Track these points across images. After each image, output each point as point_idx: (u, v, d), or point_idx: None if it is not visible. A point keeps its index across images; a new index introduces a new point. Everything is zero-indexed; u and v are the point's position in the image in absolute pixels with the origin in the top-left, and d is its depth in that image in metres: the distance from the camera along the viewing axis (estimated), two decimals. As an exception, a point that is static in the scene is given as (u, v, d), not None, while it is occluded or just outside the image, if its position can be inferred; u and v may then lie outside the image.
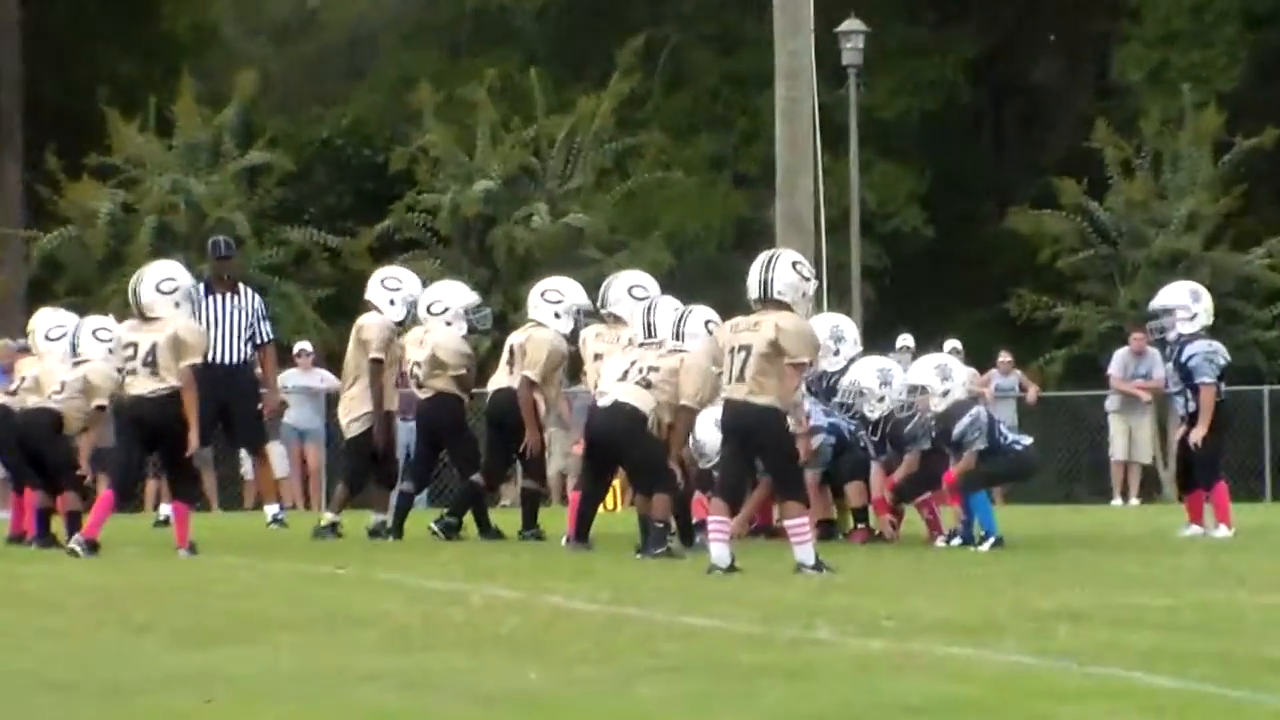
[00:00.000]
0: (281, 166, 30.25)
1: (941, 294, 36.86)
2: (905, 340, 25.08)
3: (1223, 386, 15.51)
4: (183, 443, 13.79)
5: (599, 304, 15.54)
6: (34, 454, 15.31)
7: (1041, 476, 20.58)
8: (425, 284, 16.91)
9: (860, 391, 14.85)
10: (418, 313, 16.15)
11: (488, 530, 15.85)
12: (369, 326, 16.17)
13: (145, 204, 28.80)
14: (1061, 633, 8.05)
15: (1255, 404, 26.83)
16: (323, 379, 24.91)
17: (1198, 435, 15.37)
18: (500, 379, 15.81)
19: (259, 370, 18.07)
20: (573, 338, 15.62)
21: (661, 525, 13.31)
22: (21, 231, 30.80)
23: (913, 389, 14.62)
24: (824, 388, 15.58)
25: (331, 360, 25.44)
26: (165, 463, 14.36)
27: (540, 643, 7.92)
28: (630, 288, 15.38)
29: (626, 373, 13.70)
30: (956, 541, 14.45)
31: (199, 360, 13.98)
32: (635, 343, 14.17)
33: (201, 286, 16.72)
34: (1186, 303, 15.62)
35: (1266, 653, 7.40)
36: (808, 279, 11.94)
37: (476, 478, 15.86)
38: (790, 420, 12.39)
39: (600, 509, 14.87)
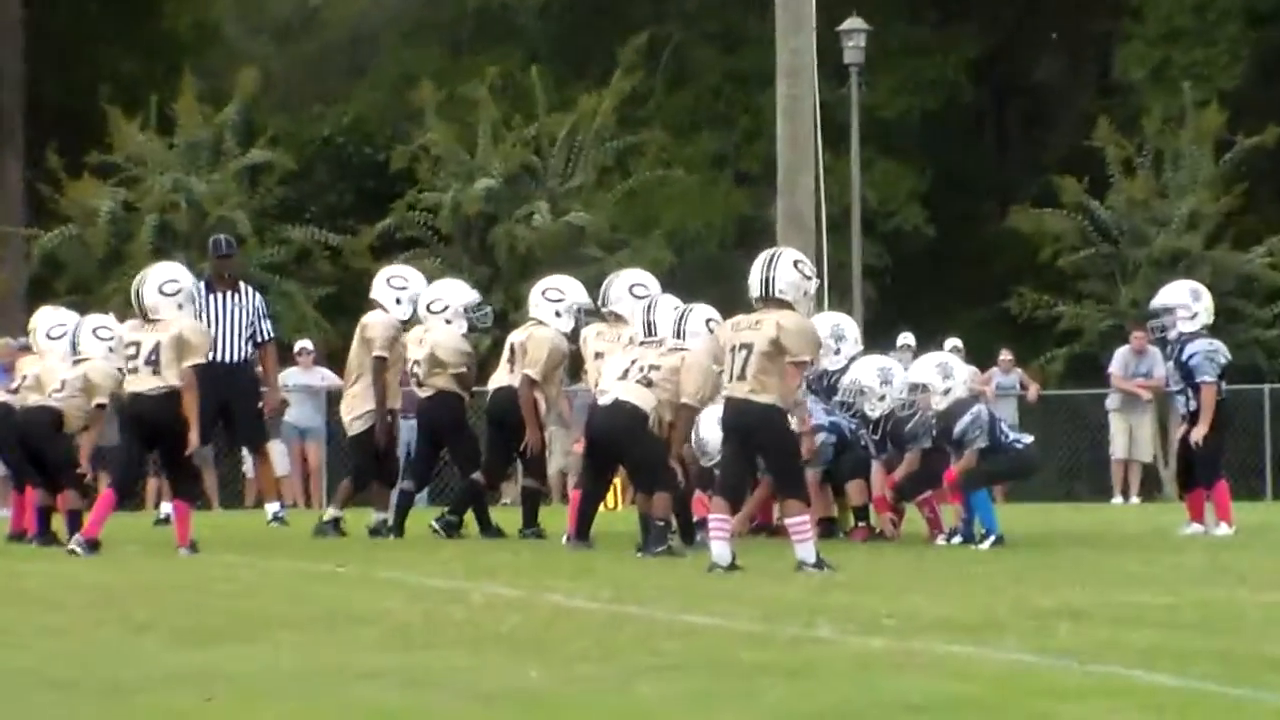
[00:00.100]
0: (283, 165, 30.25)
1: (942, 293, 36.87)
2: (906, 339, 25.09)
3: (1223, 385, 15.52)
4: (182, 441, 13.79)
5: (600, 302, 15.54)
6: (34, 452, 15.32)
7: (1042, 475, 20.58)
8: (428, 283, 16.90)
9: (861, 390, 14.85)
10: (418, 311, 16.15)
11: (488, 528, 15.86)
12: (374, 324, 16.17)
13: (146, 202, 28.80)
14: (1062, 631, 8.05)
15: (1256, 403, 26.83)
16: (323, 377, 24.91)
17: (1199, 434, 15.37)
18: (501, 377, 15.81)
19: (260, 369, 18.07)
20: (573, 336, 15.62)
21: (662, 524, 13.31)
22: (22, 230, 30.80)
23: (914, 387, 14.62)
24: (825, 386, 15.59)
25: (332, 359, 25.46)
26: (165, 461, 14.36)
27: (541, 641, 7.92)
28: (631, 286, 15.37)
29: (627, 371, 13.70)
30: (957, 540, 14.46)
31: (202, 360, 13.98)
32: (636, 341, 14.17)
33: (202, 285, 16.75)
34: (1187, 301, 15.62)
35: (1267, 651, 7.40)
36: (809, 278, 11.94)
37: (477, 476, 15.86)
38: (792, 419, 12.39)
39: (601, 507, 14.87)
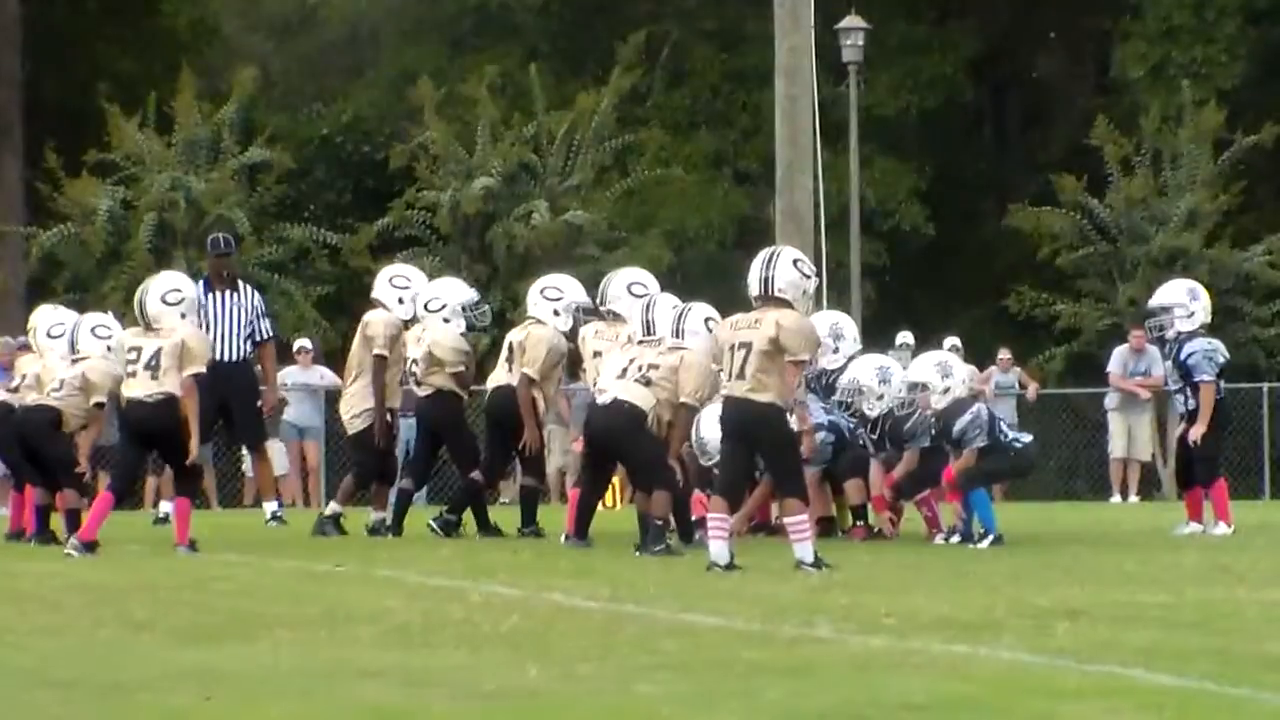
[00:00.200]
0: (281, 163, 30.23)
1: (941, 291, 36.87)
2: (905, 337, 25.10)
3: (1221, 384, 15.52)
4: (181, 446, 13.79)
5: (598, 301, 15.54)
6: (33, 451, 15.32)
7: (1041, 474, 20.61)
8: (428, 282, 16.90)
9: (859, 389, 14.85)
10: (416, 310, 16.14)
11: (487, 527, 15.85)
12: (375, 323, 16.16)
13: (145, 201, 28.78)
14: (1060, 630, 8.05)
15: (1254, 401, 26.83)
16: (322, 376, 24.91)
17: (1197, 433, 15.37)
18: (499, 376, 15.80)
19: (258, 368, 18.07)
20: (572, 335, 15.62)
21: (661, 523, 13.31)
22: (21, 228, 30.79)
23: (913, 386, 14.61)
24: (823, 385, 15.58)
25: (331, 357, 25.47)
26: (167, 462, 14.36)
27: (540, 640, 7.92)
28: (629, 285, 15.37)
29: (626, 370, 13.70)
30: (956, 539, 14.46)
31: (202, 369, 13.98)
32: (634, 340, 14.17)
33: (201, 284, 16.74)
34: (1184, 301, 15.62)
35: (1265, 650, 7.41)
36: (808, 276, 11.94)
37: (476, 475, 15.86)
38: (791, 418, 12.39)
39: (600, 506, 14.87)
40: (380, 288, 16.38)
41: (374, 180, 33.70)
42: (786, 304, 11.68)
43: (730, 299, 13.78)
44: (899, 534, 15.38)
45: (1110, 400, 25.58)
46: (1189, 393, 15.48)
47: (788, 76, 20.84)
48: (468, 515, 15.90)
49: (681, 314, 13.83)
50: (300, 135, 34.79)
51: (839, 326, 16.02)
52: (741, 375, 11.55)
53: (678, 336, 13.69)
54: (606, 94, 30.55)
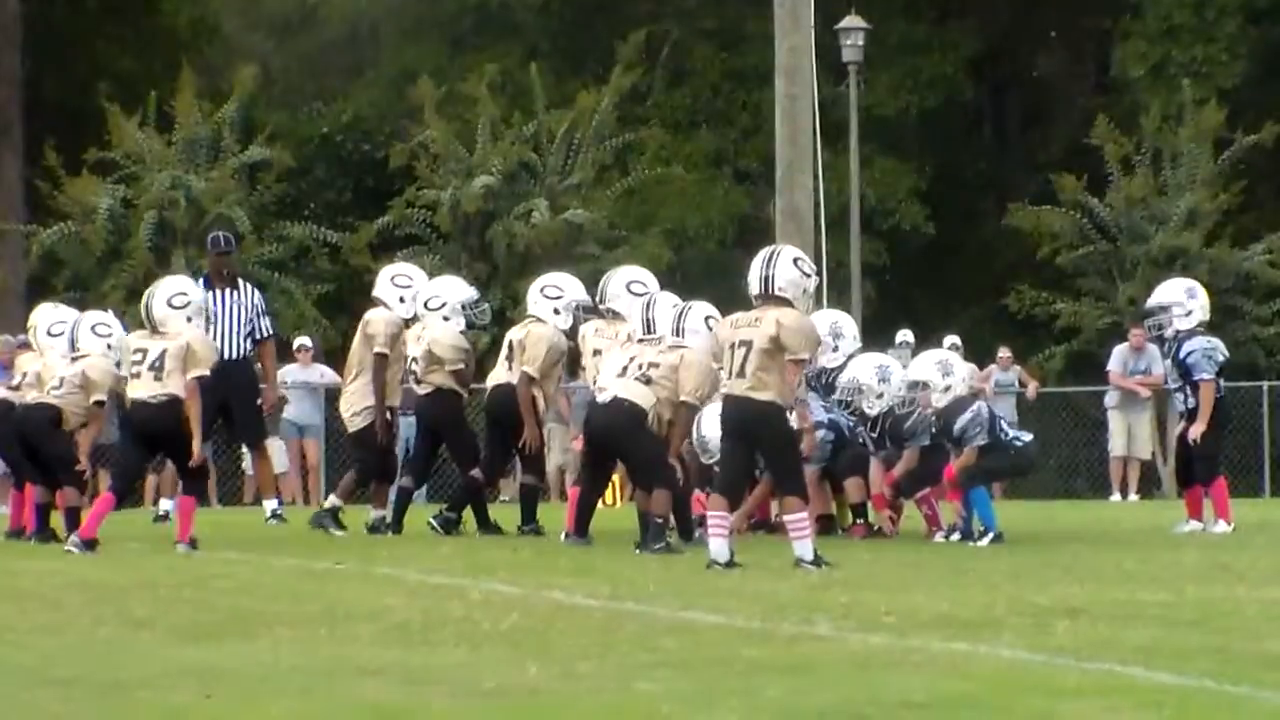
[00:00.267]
0: (281, 162, 30.23)
1: (941, 290, 36.88)
2: (905, 336, 25.10)
3: (1221, 382, 15.52)
4: (184, 448, 13.80)
5: (597, 299, 15.54)
6: (33, 449, 15.32)
7: (1040, 472, 20.60)
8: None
9: (859, 388, 14.86)
10: (417, 309, 16.14)
11: (487, 525, 15.86)
12: (376, 321, 16.16)
13: (145, 199, 28.78)
14: (1060, 628, 8.06)
15: (1254, 400, 26.84)
16: (322, 374, 24.91)
17: (1197, 431, 15.38)
18: (499, 375, 15.81)
19: (258, 366, 18.07)
20: (572, 333, 15.62)
21: (661, 521, 13.31)
22: (21, 227, 30.80)
23: (914, 385, 14.61)
24: (823, 384, 15.59)
25: (331, 356, 25.47)
26: (173, 463, 14.37)
27: (540, 638, 7.93)
28: (629, 283, 15.37)
29: (626, 368, 13.71)
30: (956, 537, 14.46)
31: (206, 373, 13.99)
32: (634, 338, 14.18)
33: (201, 282, 16.74)
34: (1181, 299, 15.63)
35: (1265, 648, 7.41)
36: (809, 275, 11.94)
37: (476, 473, 15.86)
38: (792, 416, 12.39)
39: (600, 504, 14.87)
40: (382, 286, 16.38)
41: (374, 179, 33.71)
42: (787, 303, 11.68)
43: (730, 298, 13.78)
44: (899, 532, 15.38)
45: (1110, 399, 25.59)
46: (1188, 391, 15.49)
47: (788, 76, 20.84)
48: (468, 513, 15.91)
49: (682, 312, 13.83)
50: (300, 134, 34.79)
51: (838, 325, 16.03)
52: (742, 374, 11.55)
53: (678, 335, 13.70)
54: (607, 93, 30.56)
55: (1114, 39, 36.72)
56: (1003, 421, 14.98)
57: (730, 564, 11.46)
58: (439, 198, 29.55)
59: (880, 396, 14.81)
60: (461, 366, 15.91)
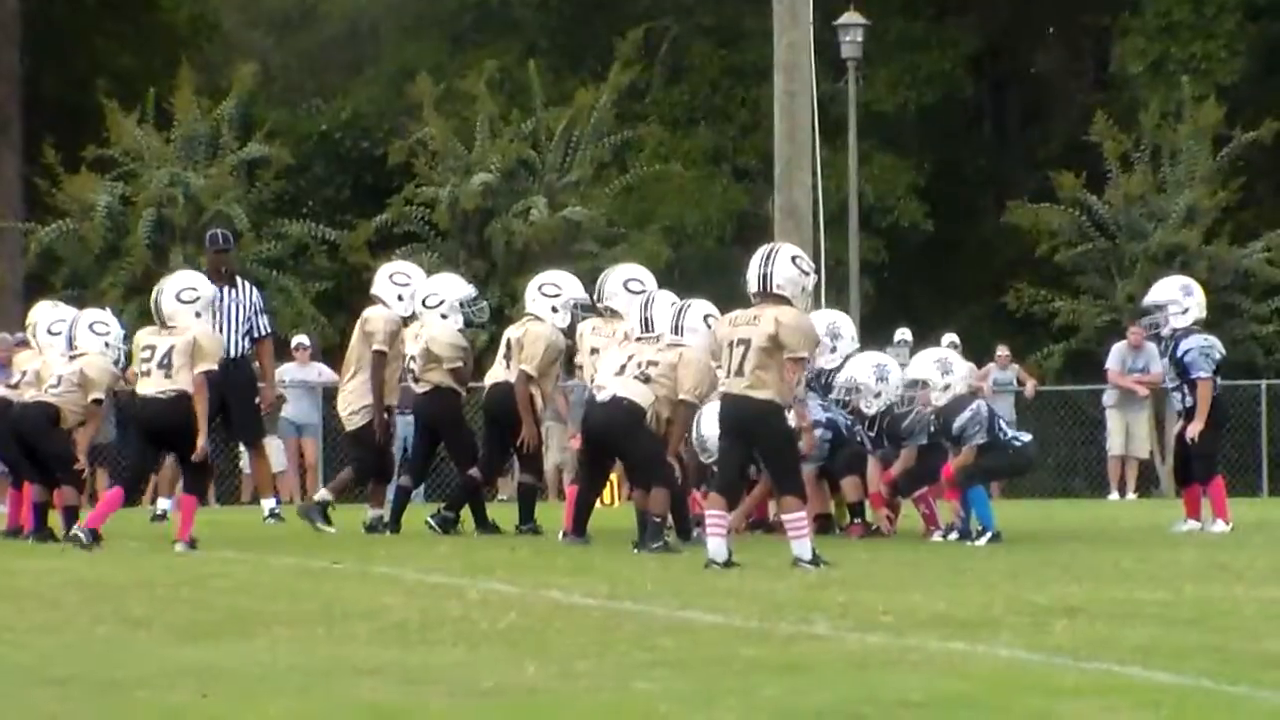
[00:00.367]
0: (280, 159, 30.22)
1: (940, 288, 36.87)
2: (903, 334, 25.09)
3: (1219, 381, 15.51)
4: (193, 443, 13.81)
5: (595, 297, 15.53)
6: (31, 448, 15.31)
7: (1039, 471, 20.58)
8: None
9: (856, 388, 14.85)
10: (415, 307, 16.13)
11: (485, 525, 15.85)
12: (375, 319, 16.16)
13: (143, 197, 28.77)
14: (1058, 628, 8.06)
15: (1253, 398, 26.83)
16: (320, 373, 24.89)
17: (1195, 430, 15.37)
18: (497, 373, 15.81)
19: (256, 364, 18.06)
20: (570, 331, 15.62)
21: (659, 520, 13.31)
22: (19, 224, 30.79)
23: (913, 383, 14.61)
24: (821, 385, 15.57)
25: (329, 354, 25.45)
26: (179, 459, 14.36)
27: (538, 637, 7.92)
28: (626, 281, 15.37)
29: (624, 367, 13.70)
30: (954, 536, 14.46)
31: (214, 367, 14.00)
32: (632, 337, 14.17)
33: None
34: (1177, 298, 15.62)
35: (1263, 647, 7.41)
36: (807, 273, 11.93)
37: (473, 472, 15.85)
38: (791, 415, 12.38)
39: (598, 503, 14.87)
40: (380, 284, 16.37)
41: (373, 176, 33.70)
42: (785, 301, 11.67)
43: (729, 295, 13.78)
44: (896, 531, 15.38)
45: (1108, 397, 25.58)
46: (1186, 390, 15.48)
47: (786, 72, 20.83)
48: (465, 512, 15.90)
49: (681, 311, 13.83)
50: (299, 131, 34.79)
51: (836, 326, 16.01)
52: (740, 372, 11.55)
53: (677, 333, 13.69)
54: (605, 90, 30.55)
55: (1113, 35, 36.71)
56: (1002, 421, 14.97)
57: (728, 563, 11.46)
58: (437, 195, 29.55)
59: (878, 396, 14.81)
60: (460, 364, 15.91)
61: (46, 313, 16.10)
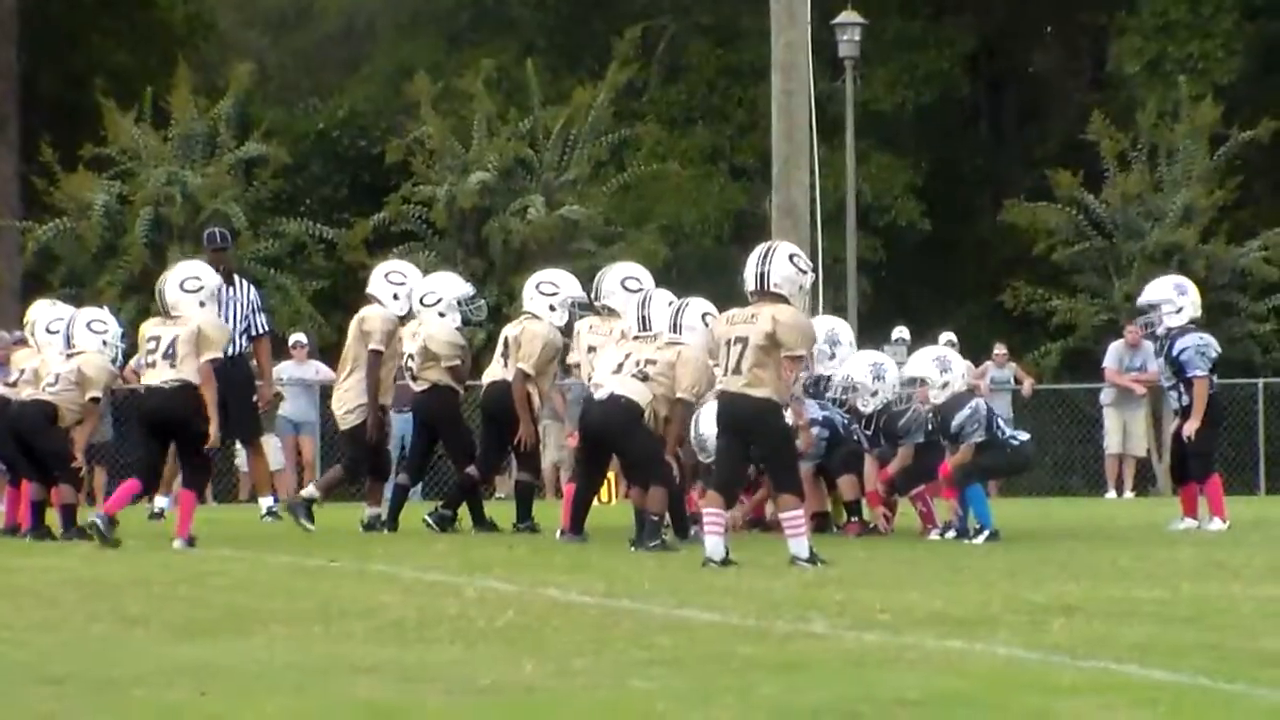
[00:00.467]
0: (277, 158, 30.23)
1: (937, 286, 36.89)
2: (900, 333, 25.09)
3: (1215, 379, 15.51)
4: (194, 434, 13.81)
5: (592, 296, 15.53)
6: (28, 446, 15.31)
7: (1036, 469, 20.59)
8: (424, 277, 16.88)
9: (853, 386, 14.85)
10: (412, 306, 16.13)
11: (482, 523, 15.86)
12: (371, 318, 16.15)
13: (140, 195, 28.78)
14: (1055, 626, 8.05)
15: (1249, 397, 26.85)
16: (318, 371, 24.89)
17: (1191, 428, 15.37)
18: (494, 371, 15.81)
19: (254, 362, 18.05)
20: (567, 330, 15.62)
21: (656, 518, 13.31)
22: (16, 222, 30.79)
23: (911, 381, 14.60)
24: (820, 391, 15.56)
25: (326, 353, 25.45)
26: (179, 452, 14.33)
27: (535, 635, 7.92)
28: (623, 280, 15.37)
29: (622, 365, 13.70)
30: (951, 534, 14.46)
31: (220, 355, 13.99)
32: (629, 335, 14.17)
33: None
34: (1171, 297, 15.62)
35: (1260, 645, 7.41)
36: (804, 271, 11.93)
37: (471, 470, 15.85)
38: (789, 413, 12.38)
39: (595, 501, 14.87)
40: (376, 283, 16.37)
41: (370, 175, 33.71)
42: (782, 299, 11.67)
43: (726, 294, 13.78)
44: (894, 529, 15.38)
45: (1105, 396, 25.59)
46: (1183, 389, 15.48)
47: (784, 72, 20.84)
48: (463, 510, 15.90)
49: (679, 309, 13.83)
50: (296, 130, 34.80)
51: (835, 332, 15.99)
52: (737, 370, 11.55)
53: (675, 332, 13.69)
54: (603, 89, 30.56)
55: (1110, 35, 36.73)
56: (999, 419, 14.97)
57: (725, 561, 11.46)
58: (435, 194, 29.56)
59: (875, 394, 14.81)
60: (457, 362, 15.91)
61: (44, 311, 16.09)
